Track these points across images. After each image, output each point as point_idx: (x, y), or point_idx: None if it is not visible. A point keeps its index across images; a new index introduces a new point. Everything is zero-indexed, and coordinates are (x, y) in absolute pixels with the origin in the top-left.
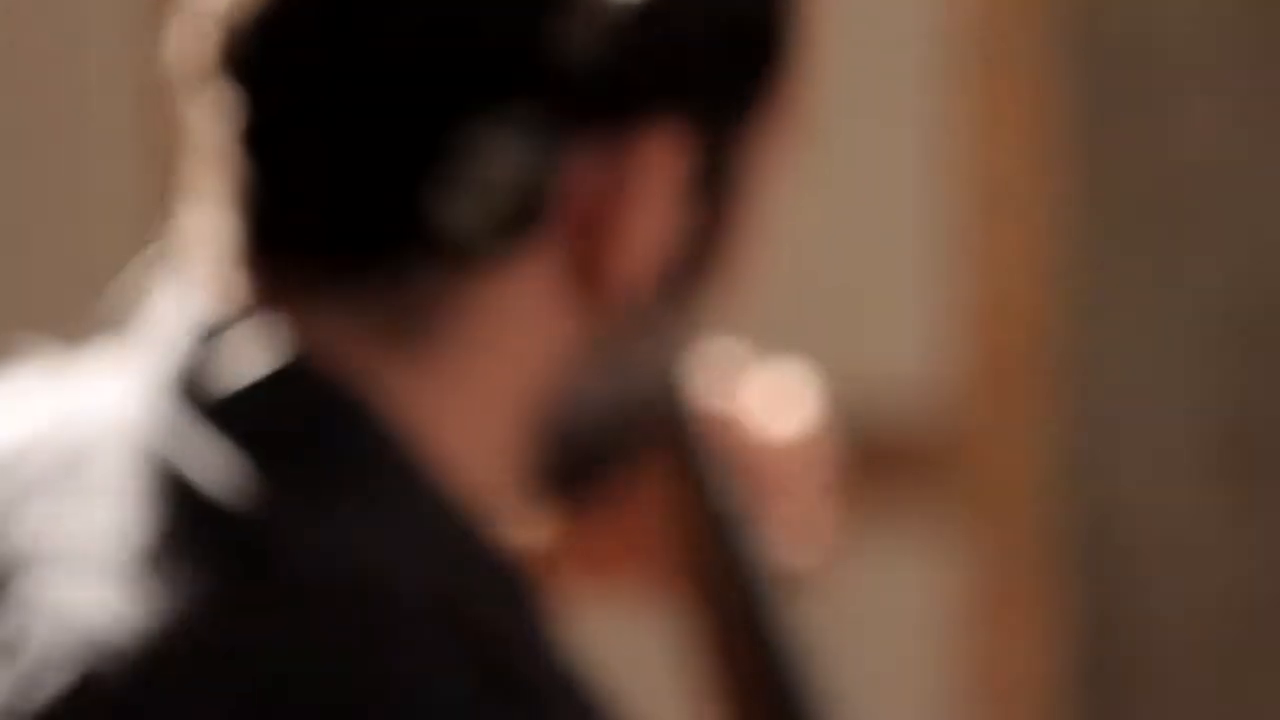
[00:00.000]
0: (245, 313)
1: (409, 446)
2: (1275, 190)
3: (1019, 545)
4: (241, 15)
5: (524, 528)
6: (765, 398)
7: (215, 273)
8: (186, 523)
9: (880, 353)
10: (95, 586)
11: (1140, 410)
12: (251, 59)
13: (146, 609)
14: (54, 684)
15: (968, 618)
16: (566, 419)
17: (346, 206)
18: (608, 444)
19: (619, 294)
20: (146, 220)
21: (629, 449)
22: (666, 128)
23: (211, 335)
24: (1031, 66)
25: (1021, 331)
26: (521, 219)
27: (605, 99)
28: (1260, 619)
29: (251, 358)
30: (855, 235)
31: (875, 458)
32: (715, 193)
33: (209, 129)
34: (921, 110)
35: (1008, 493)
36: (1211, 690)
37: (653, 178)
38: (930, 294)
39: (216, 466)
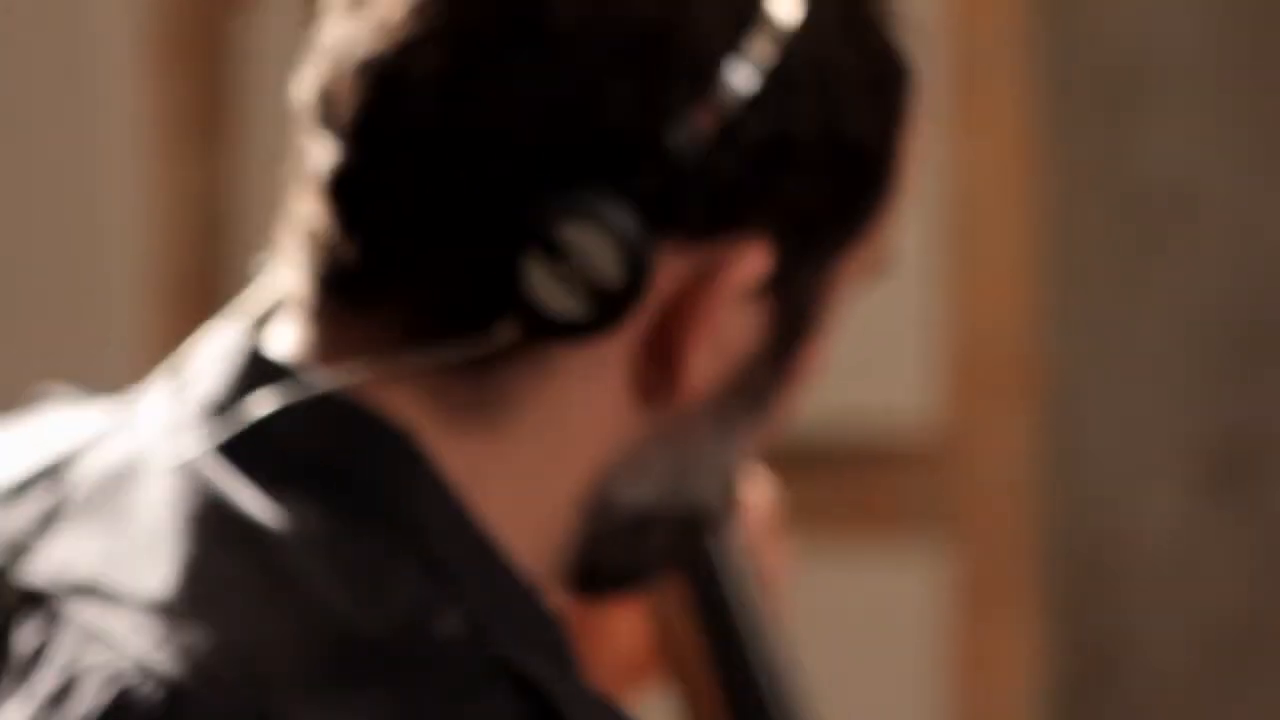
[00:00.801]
0: (311, 360)
1: (462, 505)
2: (1252, 200)
3: (1000, 551)
4: (354, 60)
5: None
6: None
7: (284, 316)
8: (230, 553)
9: (863, 362)
10: (131, 612)
11: (1118, 419)
12: (359, 107)
13: (188, 636)
14: (90, 704)
15: (951, 621)
16: (614, 508)
17: (436, 271)
18: (645, 542)
19: (688, 392)
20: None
21: (662, 551)
22: (758, 235)
23: (268, 377)
24: (1007, 78)
25: (1001, 340)
26: (614, 306)
27: (705, 201)
28: (1241, 626)
29: (312, 406)
30: None
31: (858, 463)
32: (793, 307)
33: (302, 171)
34: None
35: (989, 499)
36: (1193, 695)
37: (735, 282)
38: (911, 304)
39: (260, 501)
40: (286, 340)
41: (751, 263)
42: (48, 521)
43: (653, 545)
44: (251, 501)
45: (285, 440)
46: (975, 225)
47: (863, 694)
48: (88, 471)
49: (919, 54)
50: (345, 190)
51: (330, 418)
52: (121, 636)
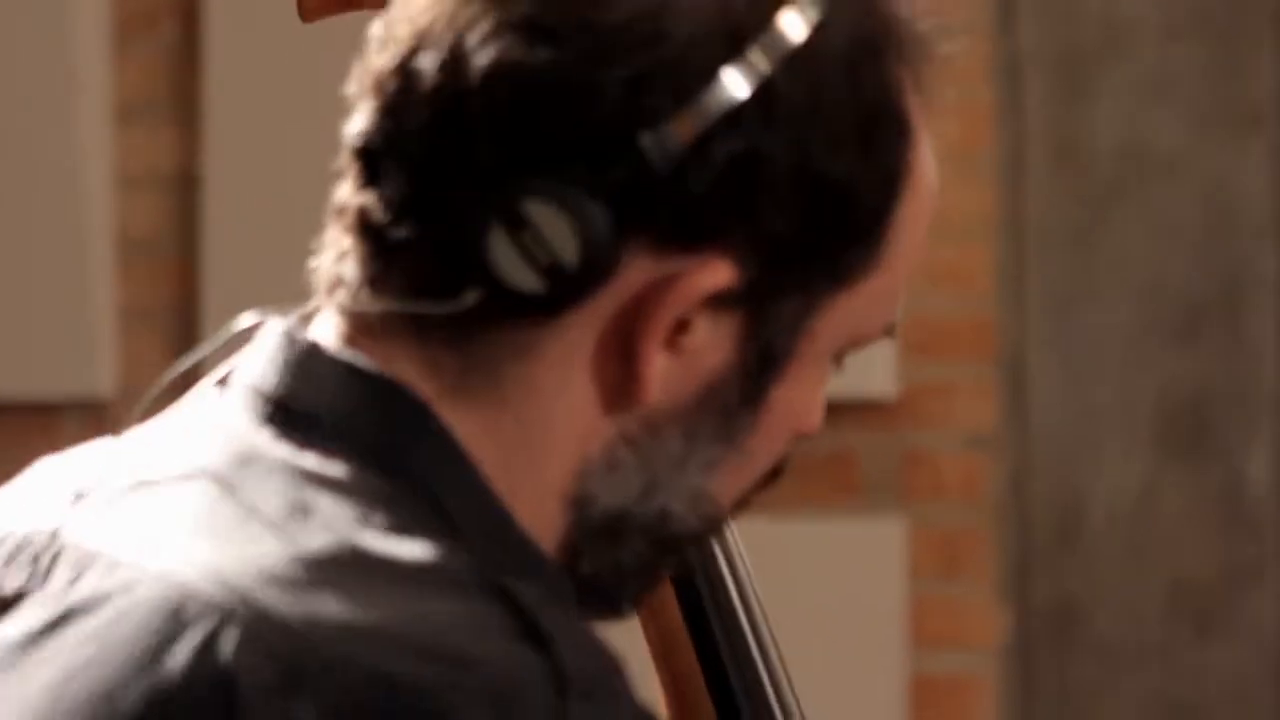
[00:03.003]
0: (344, 345)
1: (468, 464)
2: (1206, 160)
3: (963, 512)
4: (376, 56)
5: None
6: None
7: (323, 307)
8: (260, 482)
9: None
10: (202, 548)
11: (1076, 381)
12: (369, 112)
13: (217, 556)
14: (196, 636)
15: (915, 580)
16: (590, 504)
17: (424, 254)
18: (620, 548)
19: (650, 395)
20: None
21: (639, 565)
22: (726, 252)
23: (310, 360)
24: (960, 43)
25: (959, 304)
26: (568, 286)
27: (675, 207)
28: (1205, 582)
29: (343, 382)
30: None
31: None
32: (764, 336)
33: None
34: None
35: (949, 460)
36: (1158, 651)
37: (694, 289)
38: None
39: (290, 450)
40: (322, 324)
41: (713, 275)
42: (101, 482)
43: (628, 554)
44: (282, 450)
45: (312, 403)
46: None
47: (828, 651)
48: (147, 442)
49: (926, 126)
50: (364, 155)
51: (353, 384)
52: (204, 567)
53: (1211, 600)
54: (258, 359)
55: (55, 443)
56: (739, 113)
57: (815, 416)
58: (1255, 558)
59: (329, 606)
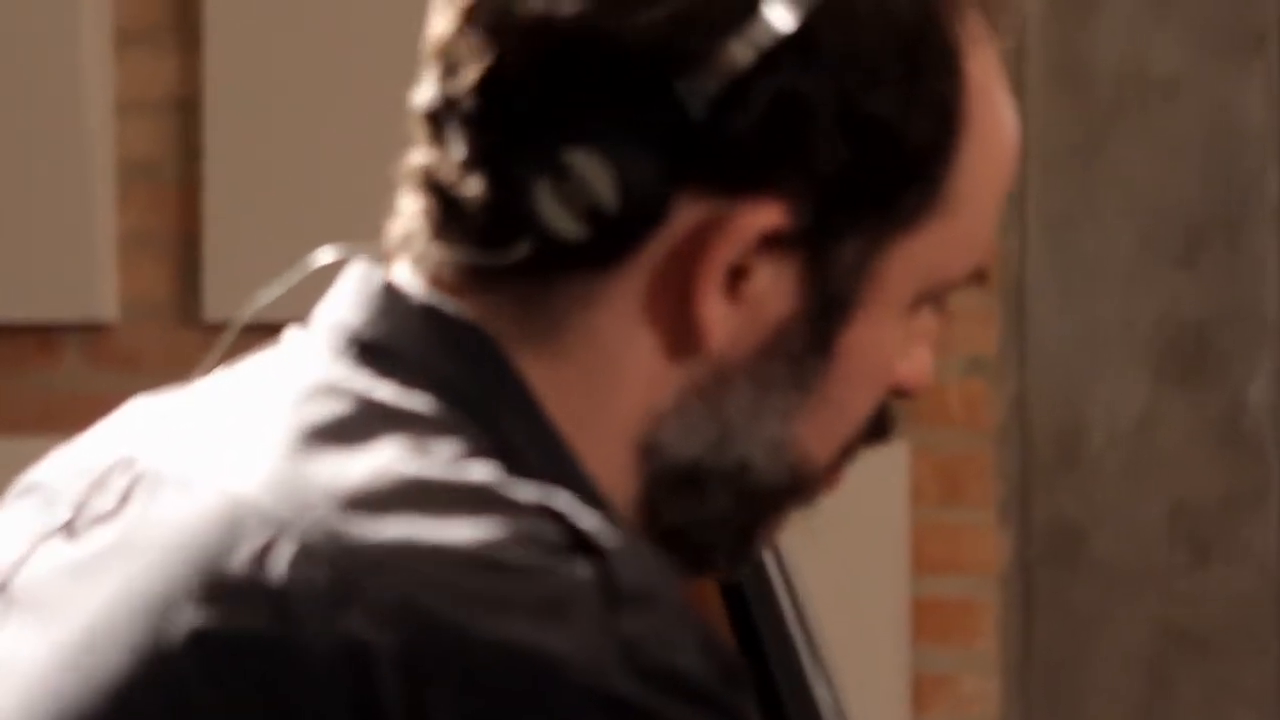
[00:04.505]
0: (422, 293)
1: (538, 408)
2: (1209, 83)
3: (967, 438)
4: (436, 22)
5: None
6: None
7: (398, 257)
8: (337, 410)
9: None
10: (266, 467)
11: (1078, 307)
12: (432, 77)
13: (289, 477)
14: (251, 547)
15: (918, 500)
16: (663, 453)
17: (482, 209)
18: (702, 501)
19: (712, 343)
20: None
21: (724, 518)
22: (777, 195)
23: (390, 301)
24: None
25: None
26: (612, 233)
27: (720, 151)
28: (1206, 507)
29: (421, 322)
30: None
31: None
32: (827, 280)
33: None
34: None
35: (954, 385)
36: (1161, 575)
37: (745, 231)
38: None
39: (369, 382)
40: (398, 272)
41: (763, 216)
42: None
43: (711, 507)
44: (358, 382)
45: (391, 341)
46: None
47: (830, 577)
48: (223, 386)
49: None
50: (429, 118)
51: (431, 325)
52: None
53: (1212, 524)
54: (340, 299)
55: (57, 366)
56: (777, 53)
57: (914, 369)
58: (1256, 482)
59: (384, 522)
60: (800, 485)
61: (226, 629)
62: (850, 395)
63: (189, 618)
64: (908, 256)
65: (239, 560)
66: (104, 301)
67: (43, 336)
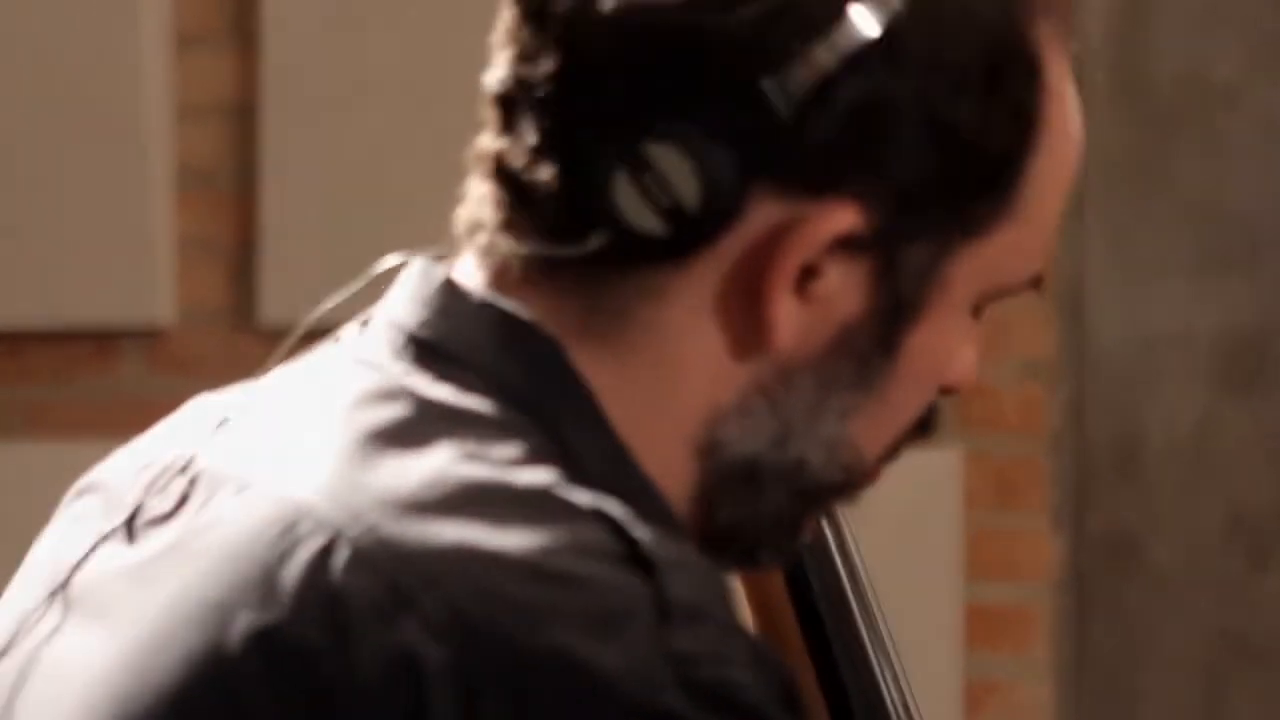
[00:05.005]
0: (483, 287)
1: (596, 407)
2: (1275, 96)
3: (1023, 444)
4: (511, 6)
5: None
6: None
7: (463, 250)
8: (392, 412)
9: None
10: (323, 470)
11: (1135, 315)
12: (505, 61)
13: (343, 481)
14: (307, 552)
15: (972, 505)
16: (722, 450)
17: (555, 199)
18: (759, 497)
19: (780, 340)
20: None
21: (779, 515)
22: (853, 199)
23: (449, 300)
24: None
25: None
26: (689, 228)
27: (800, 153)
28: (1264, 516)
29: (480, 322)
30: None
31: None
32: (896, 283)
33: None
34: None
35: (1010, 391)
36: (1217, 584)
37: (820, 233)
38: None
39: (427, 383)
40: (461, 266)
41: (838, 220)
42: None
43: (767, 504)
44: (417, 382)
45: (450, 340)
46: None
47: (883, 582)
48: (286, 384)
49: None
50: (501, 102)
51: (490, 324)
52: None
53: (1269, 532)
54: (399, 298)
55: (114, 370)
56: (862, 58)
57: (962, 368)
58: None
59: (439, 528)
60: (850, 482)
61: (283, 635)
62: (906, 396)
63: (246, 622)
64: (975, 261)
65: (296, 565)
66: (162, 306)
67: (101, 341)
